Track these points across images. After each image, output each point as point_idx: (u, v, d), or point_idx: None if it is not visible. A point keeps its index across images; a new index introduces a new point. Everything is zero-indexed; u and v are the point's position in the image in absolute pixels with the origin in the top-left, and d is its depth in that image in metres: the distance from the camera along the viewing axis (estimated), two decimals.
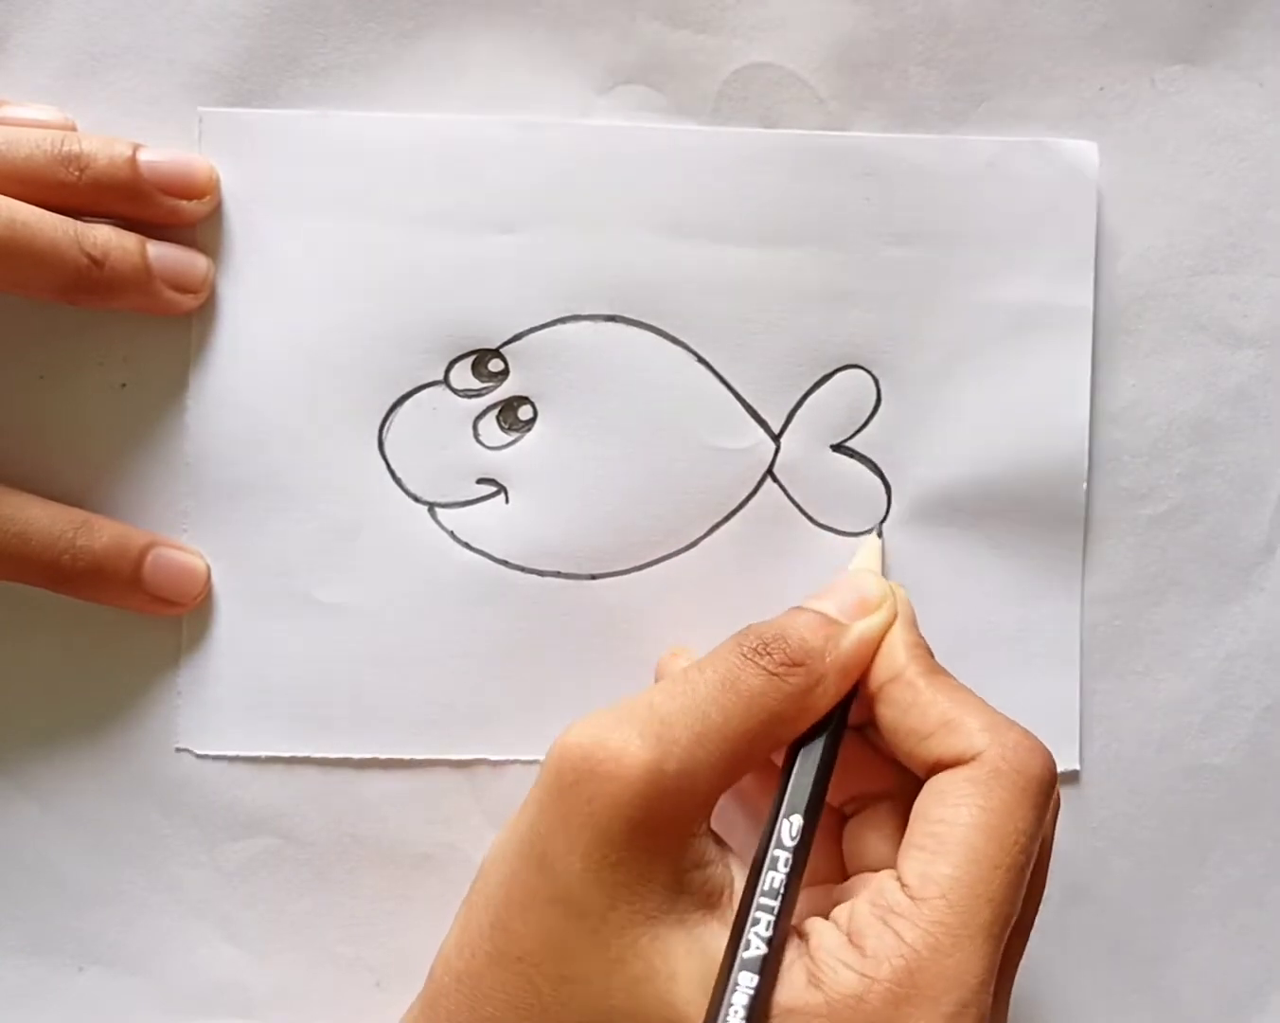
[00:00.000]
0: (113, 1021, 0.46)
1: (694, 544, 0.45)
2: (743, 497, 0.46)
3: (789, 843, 0.38)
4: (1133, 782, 0.47)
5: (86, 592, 0.44)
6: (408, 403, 0.45)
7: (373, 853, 0.46)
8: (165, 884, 0.46)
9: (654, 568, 0.45)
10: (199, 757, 0.45)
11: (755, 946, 0.36)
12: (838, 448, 0.46)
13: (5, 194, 0.41)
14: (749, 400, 0.46)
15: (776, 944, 0.37)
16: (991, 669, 0.46)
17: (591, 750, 0.37)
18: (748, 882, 0.38)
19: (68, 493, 0.44)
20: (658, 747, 0.37)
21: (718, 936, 0.37)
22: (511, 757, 0.46)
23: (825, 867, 0.42)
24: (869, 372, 0.46)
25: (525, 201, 0.45)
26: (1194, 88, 0.46)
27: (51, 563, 0.43)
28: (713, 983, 0.36)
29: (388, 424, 0.45)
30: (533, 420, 0.45)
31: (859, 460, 0.46)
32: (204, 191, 0.44)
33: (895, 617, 0.42)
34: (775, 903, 0.37)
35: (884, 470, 0.46)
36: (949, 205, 0.45)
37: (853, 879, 0.41)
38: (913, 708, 0.40)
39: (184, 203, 0.44)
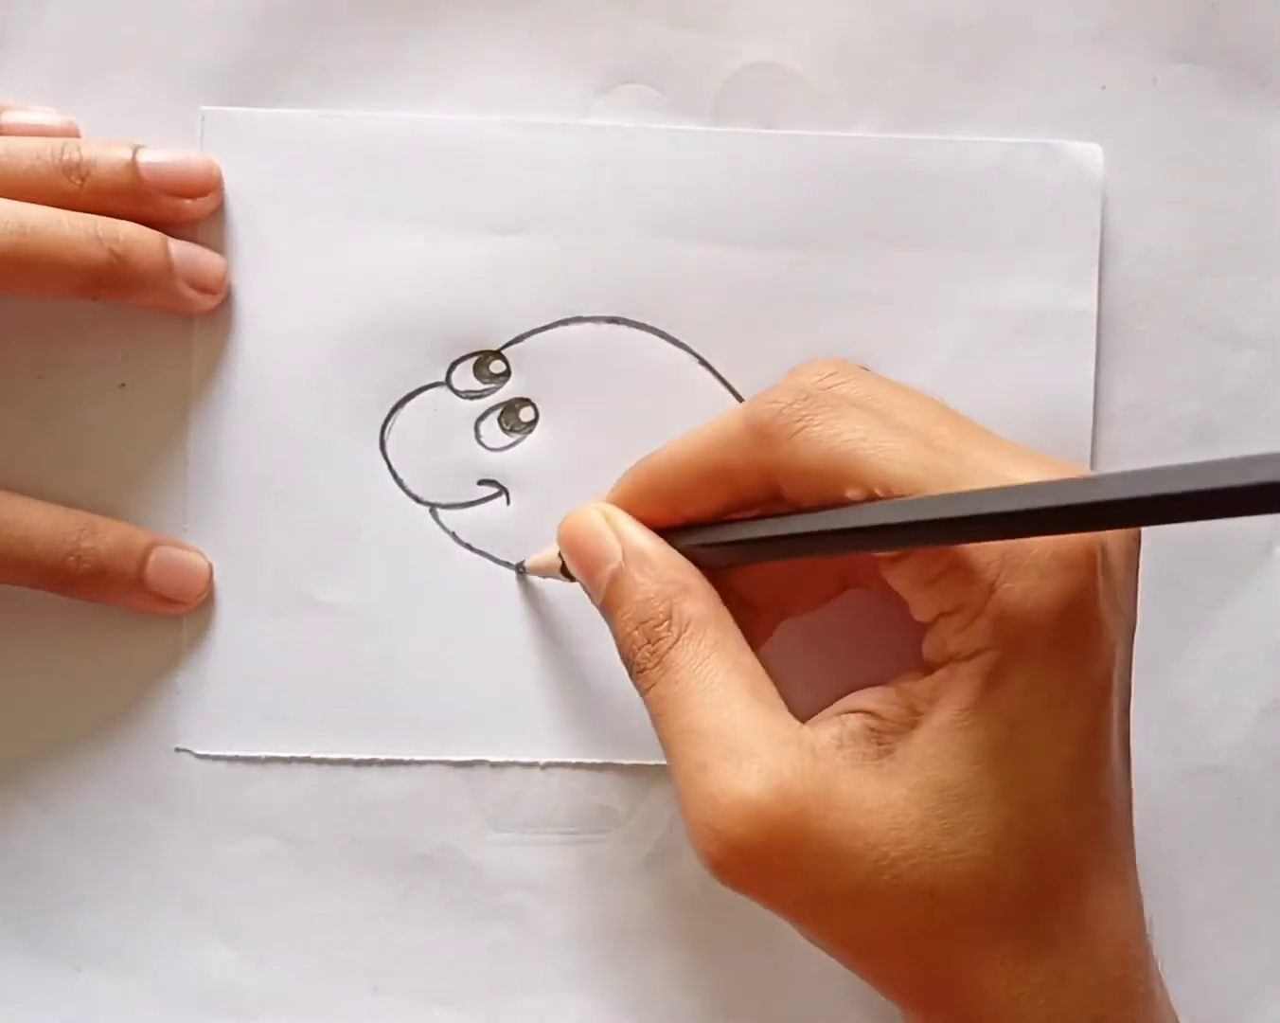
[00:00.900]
0: (110, 1021, 0.46)
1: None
2: None
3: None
4: (1131, 783, 0.47)
5: (91, 594, 0.44)
6: (409, 404, 0.45)
7: (372, 854, 0.46)
8: (163, 885, 0.46)
9: None
10: (198, 757, 0.45)
11: None
12: None
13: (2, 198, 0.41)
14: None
15: None
16: None
17: (720, 832, 0.36)
18: None
19: (67, 493, 0.44)
20: (731, 766, 0.36)
21: (900, 738, 0.37)
22: (511, 757, 0.46)
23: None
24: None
25: (526, 203, 0.45)
26: (1196, 88, 0.46)
27: (56, 567, 0.43)
28: (954, 766, 0.36)
29: (389, 425, 0.45)
30: (534, 422, 0.45)
31: None
32: (206, 190, 0.44)
33: (616, 499, 0.42)
34: None
35: None
36: (953, 207, 0.45)
37: None
38: (704, 500, 0.40)
39: (187, 202, 0.43)
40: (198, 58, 0.44)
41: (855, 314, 0.45)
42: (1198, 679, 0.47)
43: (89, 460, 0.45)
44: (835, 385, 0.39)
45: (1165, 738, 0.47)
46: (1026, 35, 0.46)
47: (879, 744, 0.37)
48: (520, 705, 0.45)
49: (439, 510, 0.45)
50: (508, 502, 0.45)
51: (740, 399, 0.45)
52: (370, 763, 0.46)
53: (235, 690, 0.45)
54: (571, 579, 0.42)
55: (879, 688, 0.39)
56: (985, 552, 0.36)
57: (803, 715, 0.38)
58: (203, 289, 0.44)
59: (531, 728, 0.45)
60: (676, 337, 0.45)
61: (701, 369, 0.45)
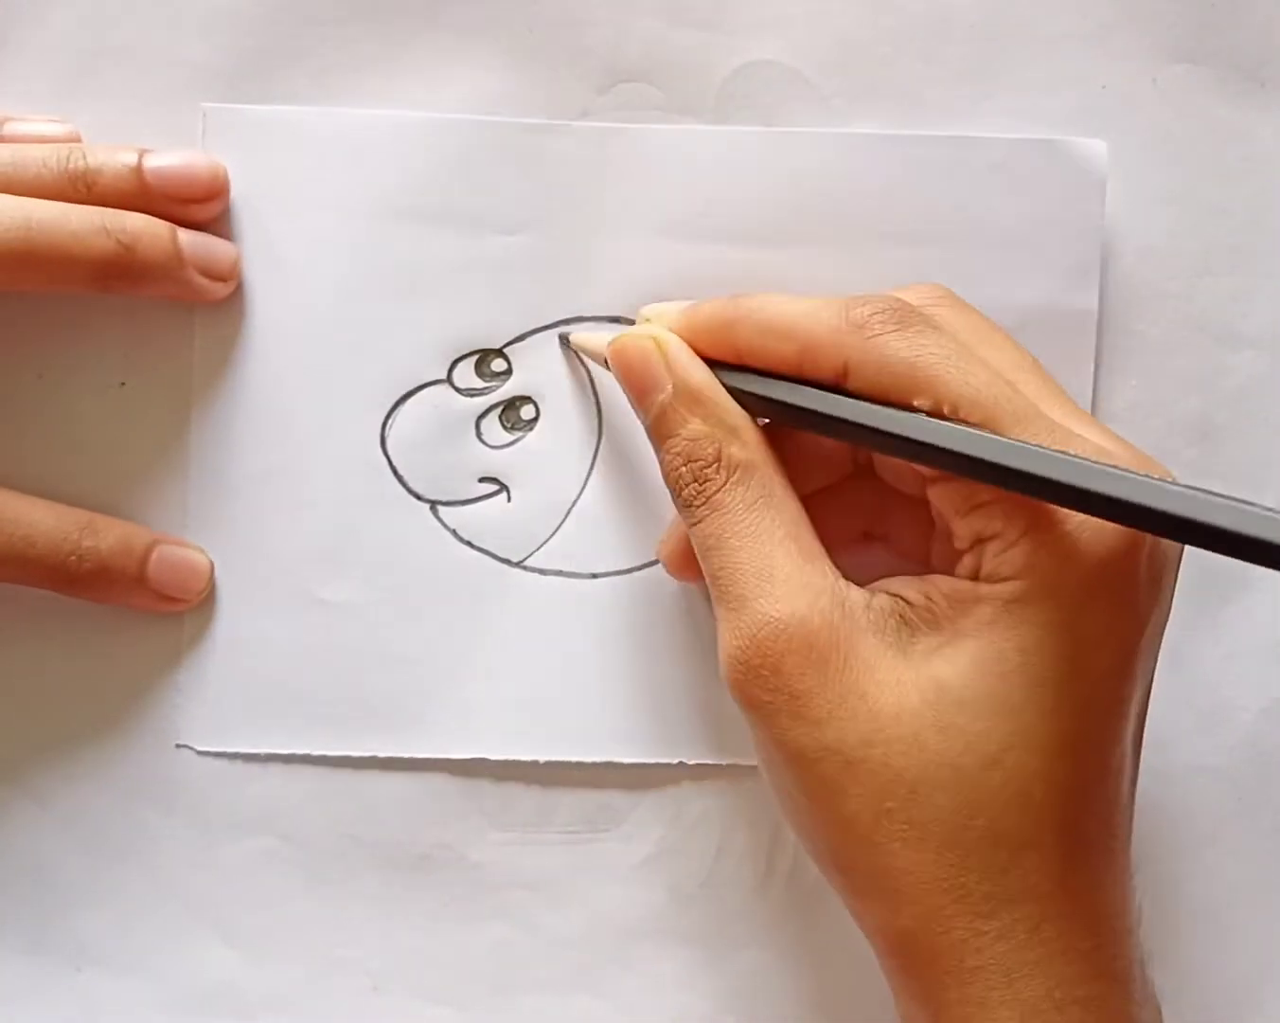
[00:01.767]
0: (110, 1021, 0.46)
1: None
2: None
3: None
4: None
5: (92, 593, 0.44)
6: (410, 401, 0.45)
7: (372, 854, 0.46)
8: (163, 884, 0.46)
9: (655, 568, 0.45)
10: (199, 754, 0.45)
11: None
12: None
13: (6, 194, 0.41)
14: None
15: None
16: None
17: (757, 645, 0.38)
18: None
19: (68, 491, 0.44)
20: (772, 597, 0.38)
21: (931, 628, 0.38)
22: (511, 757, 0.46)
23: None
24: None
25: (527, 202, 0.45)
26: (1196, 88, 0.46)
27: (58, 566, 0.43)
28: (968, 669, 0.37)
29: (390, 422, 0.45)
30: (535, 420, 0.45)
31: None
32: (213, 194, 0.44)
33: (673, 328, 0.42)
34: None
35: None
36: (956, 205, 0.45)
37: None
38: (771, 357, 0.40)
39: (193, 207, 0.43)
40: (198, 57, 0.44)
41: None
42: (1198, 679, 0.47)
43: (89, 459, 0.45)
44: (935, 306, 0.40)
45: (1165, 738, 0.47)
46: (1026, 35, 0.46)
47: (903, 624, 0.38)
48: (520, 704, 0.45)
49: (440, 508, 0.45)
50: (508, 499, 0.45)
51: None
52: (370, 762, 0.45)
53: (236, 688, 0.45)
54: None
55: (914, 578, 0.39)
56: None
57: None
58: (215, 277, 0.44)
59: (531, 727, 0.45)
60: None
61: None
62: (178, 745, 0.45)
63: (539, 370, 0.45)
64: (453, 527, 0.45)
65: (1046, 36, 0.46)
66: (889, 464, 0.42)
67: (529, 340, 0.45)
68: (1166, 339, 0.46)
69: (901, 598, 0.38)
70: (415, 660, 0.45)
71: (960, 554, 0.39)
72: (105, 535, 0.43)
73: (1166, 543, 0.38)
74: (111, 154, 0.43)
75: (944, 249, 0.45)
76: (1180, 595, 0.47)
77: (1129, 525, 0.34)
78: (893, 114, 0.45)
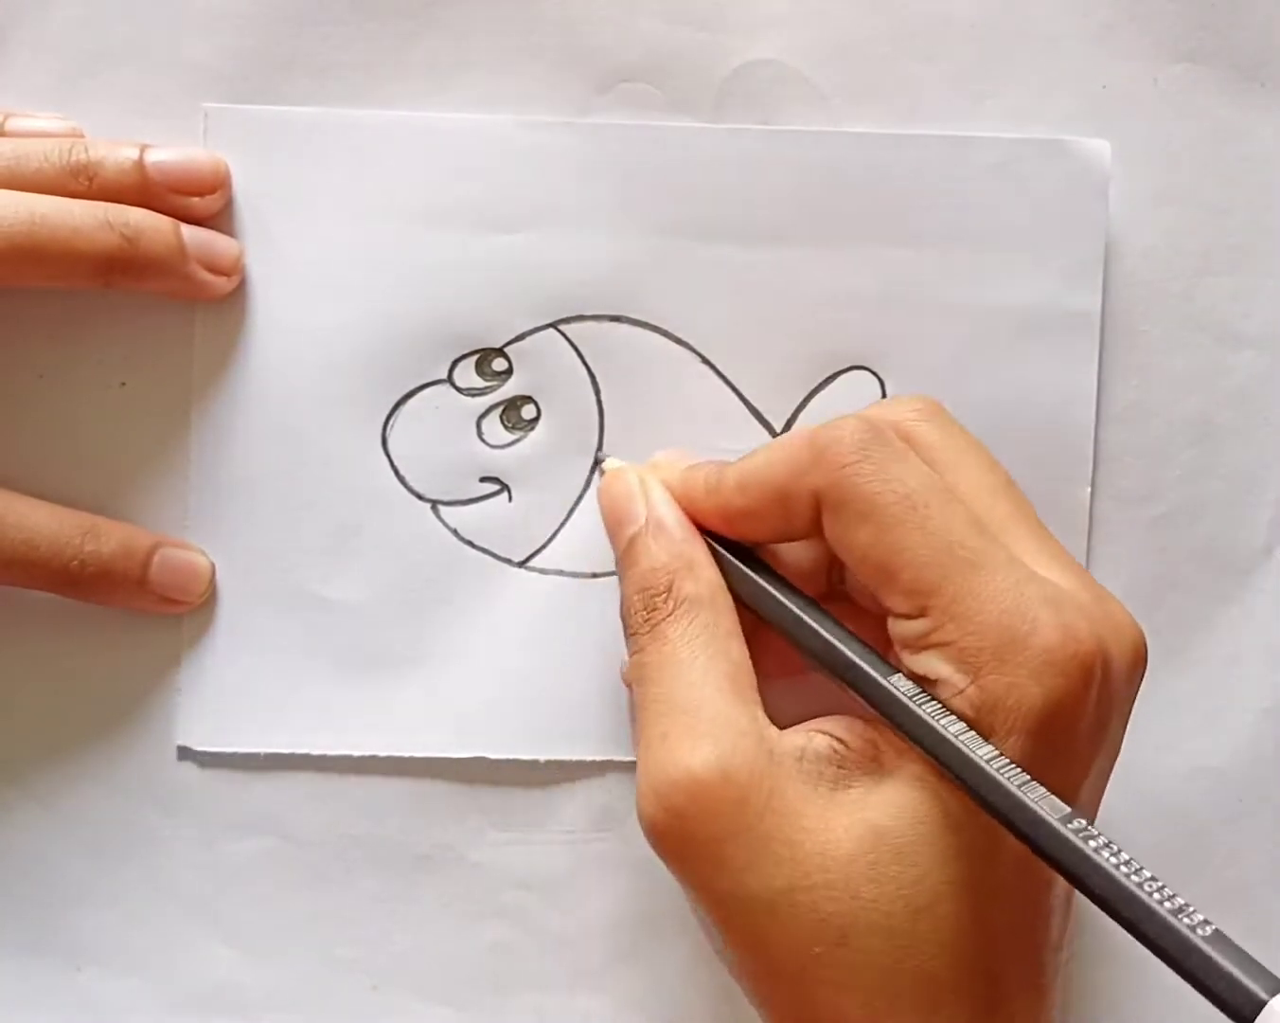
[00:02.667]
0: (110, 1020, 0.46)
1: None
2: None
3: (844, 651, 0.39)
4: (1131, 783, 0.47)
5: (95, 596, 0.44)
6: (411, 401, 0.45)
7: (371, 854, 0.46)
8: (164, 884, 0.46)
9: None
10: (199, 755, 0.45)
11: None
12: None
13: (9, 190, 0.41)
14: (752, 401, 0.46)
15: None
16: None
17: (668, 804, 0.37)
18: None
19: (68, 492, 0.44)
20: (693, 744, 0.37)
21: (866, 774, 0.38)
22: (511, 756, 0.46)
23: None
24: (874, 373, 0.45)
25: (528, 202, 0.45)
26: (1196, 88, 0.46)
27: (60, 570, 0.43)
28: (906, 809, 0.37)
29: (391, 422, 0.45)
30: (536, 420, 0.45)
31: None
32: (214, 187, 0.44)
33: (654, 469, 0.43)
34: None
35: None
36: (957, 205, 0.45)
37: None
38: (759, 520, 0.40)
39: (194, 200, 0.43)
40: (198, 57, 0.44)
41: (858, 312, 0.45)
42: (1198, 680, 0.47)
43: (89, 460, 0.45)
44: (917, 421, 0.40)
45: (1165, 738, 0.47)
46: (1027, 35, 0.46)
47: (838, 769, 0.38)
48: (520, 704, 0.45)
49: (440, 507, 0.45)
50: (509, 499, 0.45)
51: (742, 398, 0.45)
52: (370, 762, 0.45)
53: (236, 688, 0.45)
54: None
55: (853, 719, 0.39)
56: (980, 637, 0.36)
57: (783, 724, 0.39)
58: (218, 271, 0.44)
59: (531, 727, 0.45)
60: (678, 335, 0.45)
61: (703, 367, 0.45)
62: (177, 746, 0.45)
63: (540, 370, 0.45)
64: (453, 526, 0.45)
65: (1046, 36, 0.46)
66: (860, 587, 0.41)
67: (530, 340, 0.45)
68: (1167, 339, 0.46)
69: (840, 740, 0.38)
70: (415, 660, 0.45)
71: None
72: (107, 539, 0.43)
73: (1118, 677, 0.38)
74: (113, 148, 0.43)
75: (945, 249, 0.45)
76: (1181, 596, 0.47)
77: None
78: (893, 113, 0.45)
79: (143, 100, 0.45)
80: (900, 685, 0.37)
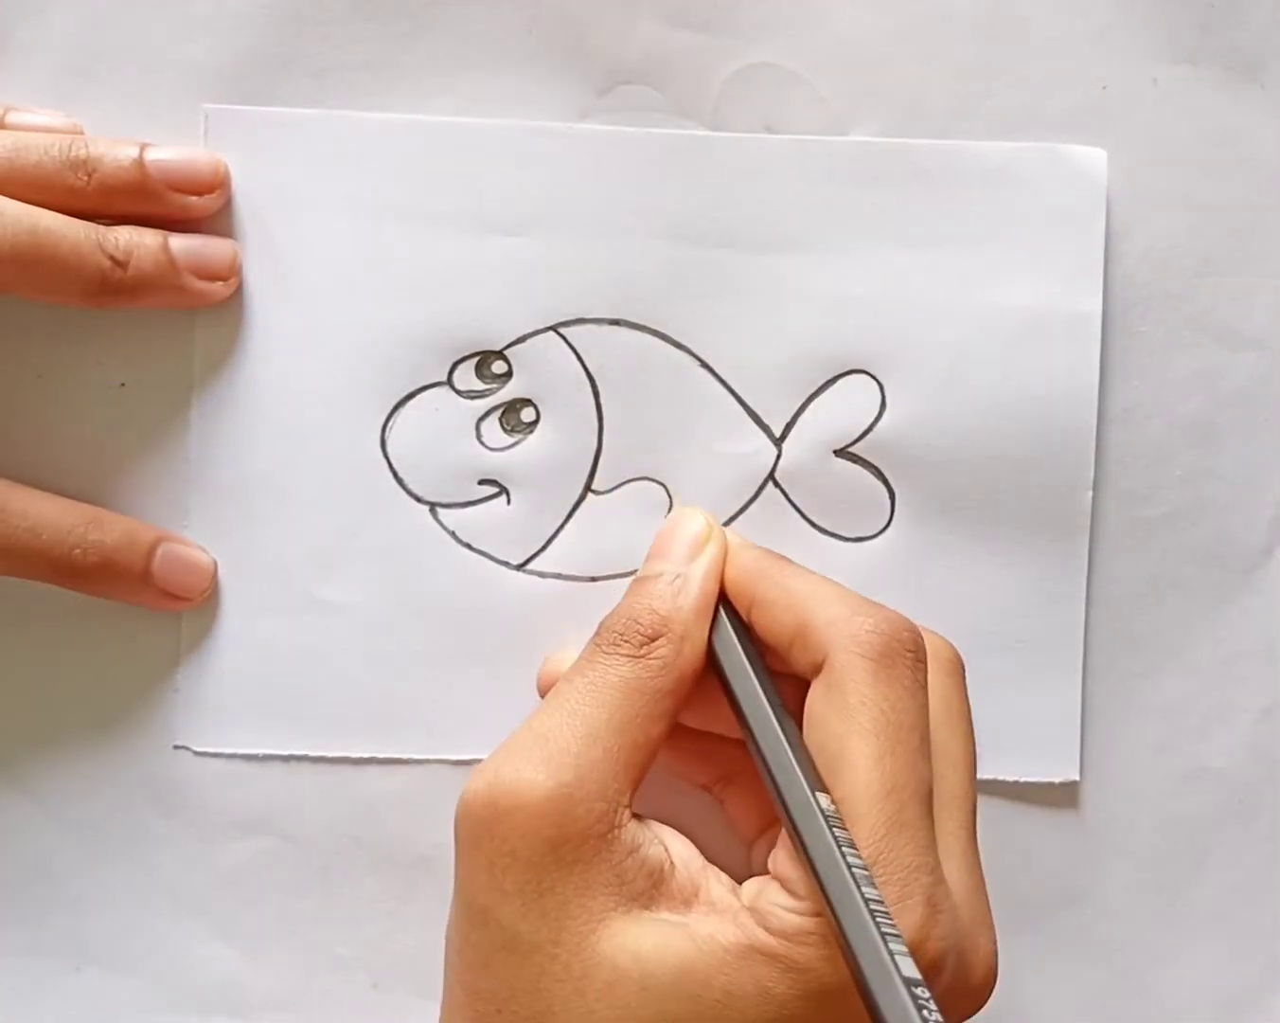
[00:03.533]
0: (109, 1020, 0.46)
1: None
2: (744, 502, 0.46)
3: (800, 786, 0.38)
4: (1131, 784, 0.47)
5: (97, 587, 0.44)
6: (411, 403, 0.45)
7: (371, 854, 0.46)
8: (162, 884, 0.46)
9: None
10: (197, 754, 0.45)
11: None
12: (841, 453, 0.46)
13: (16, 200, 0.41)
14: (751, 405, 0.45)
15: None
16: (994, 678, 0.46)
17: (491, 796, 0.38)
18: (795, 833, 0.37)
19: (68, 492, 0.44)
20: (549, 764, 0.38)
21: (671, 909, 0.38)
22: None
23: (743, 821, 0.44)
24: (874, 377, 0.45)
25: (528, 205, 0.45)
26: (1196, 89, 0.46)
27: (62, 558, 0.43)
28: (677, 953, 0.36)
29: (390, 424, 0.45)
30: (535, 422, 0.45)
31: (863, 466, 0.46)
32: (213, 186, 0.44)
33: (725, 541, 0.43)
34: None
35: (888, 476, 0.46)
36: (956, 210, 0.45)
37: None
38: (773, 625, 0.40)
39: (194, 199, 0.43)
40: (198, 58, 0.44)
41: (858, 316, 0.45)
42: (1197, 681, 0.47)
43: (89, 460, 0.45)
44: (932, 665, 0.40)
45: (1165, 740, 0.47)
46: (1026, 35, 0.46)
47: (654, 888, 0.38)
48: (520, 706, 0.45)
49: (439, 510, 0.45)
50: (508, 502, 0.45)
51: (741, 402, 0.45)
52: (370, 762, 0.46)
53: (234, 688, 0.45)
54: None
55: (694, 852, 0.40)
56: None
57: None
58: (213, 277, 0.44)
59: None
60: (677, 339, 0.45)
61: (703, 371, 0.45)
62: (175, 746, 0.45)
63: (539, 373, 0.45)
64: (452, 528, 0.45)
65: (1046, 36, 0.46)
66: None
67: (529, 342, 0.45)
68: (1167, 340, 0.46)
69: (673, 864, 0.39)
70: (415, 661, 0.45)
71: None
72: (110, 530, 0.43)
73: (949, 993, 0.37)
74: (113, 146, 0.43)
75: (944, 253, 0.45)
76: (1181, 597, 0.47)
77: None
78: (892, 115, 0.45)
79: (143, 100, 0.45)
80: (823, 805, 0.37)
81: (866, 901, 0.35)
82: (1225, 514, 0.47)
